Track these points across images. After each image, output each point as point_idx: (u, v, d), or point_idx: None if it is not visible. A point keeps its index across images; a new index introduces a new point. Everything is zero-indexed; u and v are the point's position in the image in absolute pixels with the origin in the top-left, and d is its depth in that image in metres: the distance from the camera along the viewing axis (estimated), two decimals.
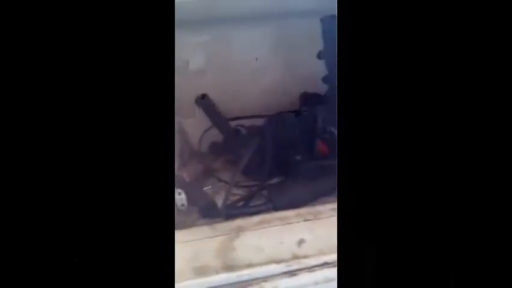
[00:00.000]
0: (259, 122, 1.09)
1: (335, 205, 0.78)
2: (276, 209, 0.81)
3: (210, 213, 0.82)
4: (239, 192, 0.93)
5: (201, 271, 0.65)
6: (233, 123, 1.13)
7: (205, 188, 0.97)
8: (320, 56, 1.17)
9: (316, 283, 0.64)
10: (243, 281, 0.64)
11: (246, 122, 1.11)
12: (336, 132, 0.94)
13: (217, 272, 0.65)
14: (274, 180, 0.92)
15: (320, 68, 1.20)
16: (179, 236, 0.76)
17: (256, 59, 1.14)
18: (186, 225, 0.80)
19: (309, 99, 1.09)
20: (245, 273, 0.64)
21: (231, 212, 0.82)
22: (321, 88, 1.17)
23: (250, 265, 0.66)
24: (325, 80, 1.15)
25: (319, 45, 1.17)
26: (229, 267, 0.66)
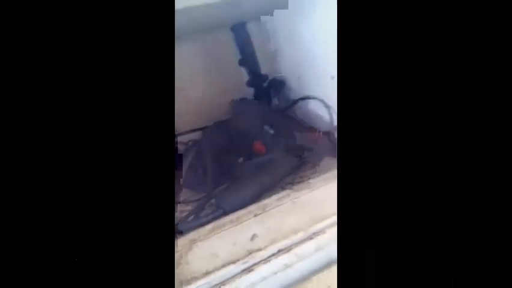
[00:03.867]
0: (197, 135, 1.08)
1: (280, 195, 0.79)
2: (227, 213, 0.79)
3: None
4: (189, 208, 0.90)
5: None
6: None
7: None
8: (241, 63, 1.20)
9: (275, 273, 0.62)
10: None
11: (183, 139, 1.10)
12: (270, 131, 0.95)
13: None
14: (222, 187, 0.91)
15: (244, 75, 1.23)
16: None
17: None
18: None
19: (239, 104, 1.10)
20: (202, 284, 0.61)
21: (180, 229, 0.78)
22: (249, 93, 1.19)
23: (207, 273, 0.63)
24: (249, 83, 1.17)
25: (237, 54, 1.20)
26: (186, 282, 0.62)
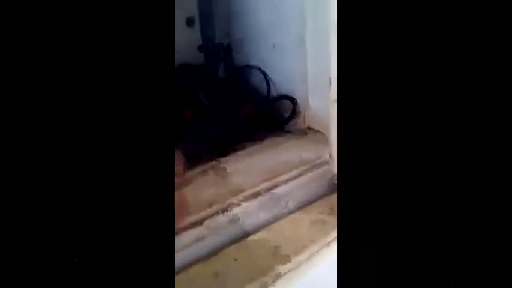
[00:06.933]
0: None
1: (205, 167, 0.77)
2: None
3: None
4: None
5: None
6: None
7: None
8: (189, 23, 1.12)
9: (185, 246, 0.61)
10: None
11: None
12: (205, 100, 0.91)
13: None
14: None
15: (193, 37, 1.15)
16: None
17: None
18: None
19: (185, 70, 1.04)
20: None
21: None
22: (198, 57, 1.12)
23: None
24: (200, 48, 1.11)
25: (187, 13, 1.11)
26: None
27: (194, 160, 0.79)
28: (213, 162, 0.78)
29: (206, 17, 1.05)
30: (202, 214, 0.64)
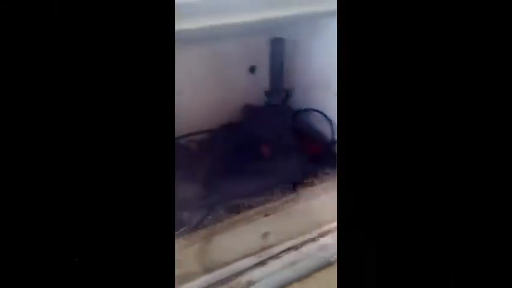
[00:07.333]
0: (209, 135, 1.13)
1: (288, 197, 0.86)
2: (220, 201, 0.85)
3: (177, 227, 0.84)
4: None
5: (182, 278, 0.68)
6: (183, 141, 1.16)
7: None
8: (251, 70, 1.26)
9: (283, 267, 0.70)
10: (221, 279, 0.68)
11: (194, 137, 1.15)
12: (278, 138, 1.03)
13: (196, 276, 0.67)
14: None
15: (258, 83, 1.28)
16: None
17: None
18: None
19: (251, 110, 1.16)
20: (219, 273, 0.68)
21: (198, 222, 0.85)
22: (261, 100, 1.25)
23: (225, 263, 0.70)
24: (267, 93, 1.23)
25: (251, 62, 1.25)
26: (208, 270, 0.69)
27: (269, 193, 0.90)
28: (290, 196, 0.88)
29: (275, 63, 1.19)
30: (295, 241, 0.74)
